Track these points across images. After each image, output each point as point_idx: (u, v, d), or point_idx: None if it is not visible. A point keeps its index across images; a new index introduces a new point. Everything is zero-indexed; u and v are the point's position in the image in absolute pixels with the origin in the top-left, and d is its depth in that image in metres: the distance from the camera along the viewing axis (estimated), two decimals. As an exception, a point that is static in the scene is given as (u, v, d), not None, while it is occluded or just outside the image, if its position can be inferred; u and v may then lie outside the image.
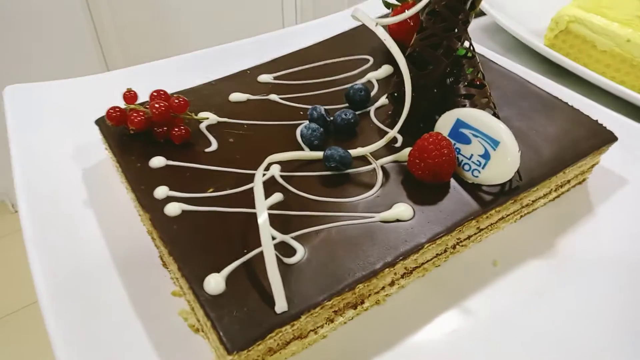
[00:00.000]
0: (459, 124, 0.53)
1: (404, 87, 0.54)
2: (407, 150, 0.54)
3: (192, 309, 0.46)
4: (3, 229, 1.71)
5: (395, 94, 0.60)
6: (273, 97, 0.64)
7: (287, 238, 0.46)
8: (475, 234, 0.54)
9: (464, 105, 0.54)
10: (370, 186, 0.52)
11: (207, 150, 0.56)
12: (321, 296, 0.42)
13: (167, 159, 0.54)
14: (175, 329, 0.47)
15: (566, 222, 0.60)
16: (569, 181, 0.61)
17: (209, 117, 0.59)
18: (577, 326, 0.49)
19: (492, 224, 0.55)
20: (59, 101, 0.72)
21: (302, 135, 0.56)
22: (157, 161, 0.54)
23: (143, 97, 0.59)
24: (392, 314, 0.50)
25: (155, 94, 0.57)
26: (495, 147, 0.50)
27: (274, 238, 0.46)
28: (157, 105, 0.55)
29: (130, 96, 0.57)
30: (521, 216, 0.59)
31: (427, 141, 0.50)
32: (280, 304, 0.40)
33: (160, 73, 0.76)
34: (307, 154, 0.54)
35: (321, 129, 0.56)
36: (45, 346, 0.45)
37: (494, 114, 0.52)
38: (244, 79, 0.67)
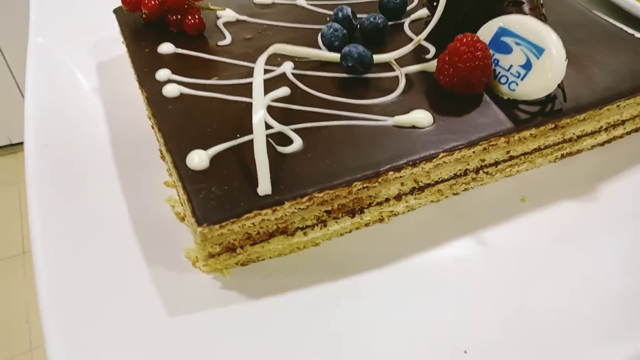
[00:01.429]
0: (501, 31, 0.46)
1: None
2: (438, 61, 0.48)
3: (179, 194, 0.43)
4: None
5: (435, 3, 0.54)
6: (301, 2, 0.59)
7: (286, 129, 0.41)
8: (504, 160, 0.48)
9: (509, 14, 0.47)
10: (389, 92, 0.46)
11: (219, 43, 0.52)
12: (311, 186, 0.37)
13: (177, 46, 0.51)
14: (160, 217, 0.44)
15: (613, 169, 0.52)
16: (623, 123, 0.53)
17: (225, 10, 0.55)
18: (598, 277, 0.42)
19: (526, 153, 0.49)
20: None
21: (322, 35, 0.51)
22: (166, 47, 0.51)
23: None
24: (395, 233, 0.45)
25: (172, -19, 0.54)
26: (540, 55, 0.43)
27: (271, 127, 0.41)
28: (171, -12, 0.51)
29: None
30: (562, 155, 0.52)
31: (460, 42, 0.44)
32: (264, 186, 0.36)
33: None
34: (322, 52, 0.49)
35: (344, 31, 0.51)
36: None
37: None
38: (273, -18, 0.62)
